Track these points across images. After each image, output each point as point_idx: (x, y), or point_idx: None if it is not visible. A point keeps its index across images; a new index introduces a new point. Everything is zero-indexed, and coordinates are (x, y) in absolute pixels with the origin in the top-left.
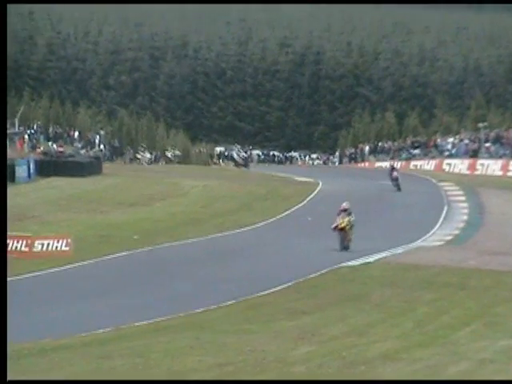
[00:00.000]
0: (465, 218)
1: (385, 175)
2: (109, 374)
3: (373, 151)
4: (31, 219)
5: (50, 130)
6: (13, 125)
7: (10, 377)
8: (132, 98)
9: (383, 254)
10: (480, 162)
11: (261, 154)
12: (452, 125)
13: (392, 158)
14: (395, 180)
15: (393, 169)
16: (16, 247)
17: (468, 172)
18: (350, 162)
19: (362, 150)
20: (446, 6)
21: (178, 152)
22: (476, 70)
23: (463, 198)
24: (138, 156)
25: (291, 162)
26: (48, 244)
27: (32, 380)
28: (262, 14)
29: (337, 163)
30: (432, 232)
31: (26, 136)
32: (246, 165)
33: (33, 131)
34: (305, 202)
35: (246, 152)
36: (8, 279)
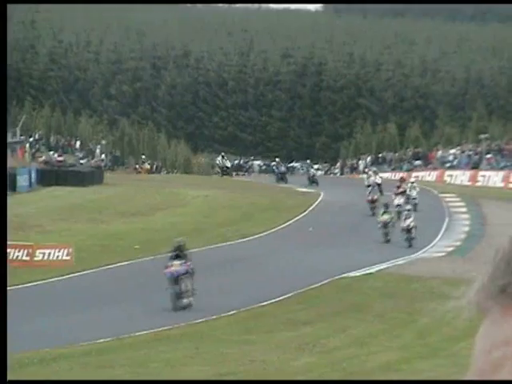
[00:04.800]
0: (466, 229)
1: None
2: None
3: (374, 162)
4: (32, 228)
5: (52, 139)
6: (14, 134)
7: None
8: (133, 108)
9: (385, 265)
10: (481, 173)
11: (262, 164)
12: (453, 136)
13: (393, 169)
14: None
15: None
16: (17, 256)
17: (469, 183)
18: (351, 172)
19: (364, 161)
20: (448, 16)
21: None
22: (478, 81)
23: (464, 210)
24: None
25: (292, 173)
26: (49, 253)
27: (32, 380)
28: (264, 24)
29: (338, 174)
30: (433, 243)
31: (27, 145)
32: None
33: (34, 140)
34: (306, 212)
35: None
36: (9, 288)
